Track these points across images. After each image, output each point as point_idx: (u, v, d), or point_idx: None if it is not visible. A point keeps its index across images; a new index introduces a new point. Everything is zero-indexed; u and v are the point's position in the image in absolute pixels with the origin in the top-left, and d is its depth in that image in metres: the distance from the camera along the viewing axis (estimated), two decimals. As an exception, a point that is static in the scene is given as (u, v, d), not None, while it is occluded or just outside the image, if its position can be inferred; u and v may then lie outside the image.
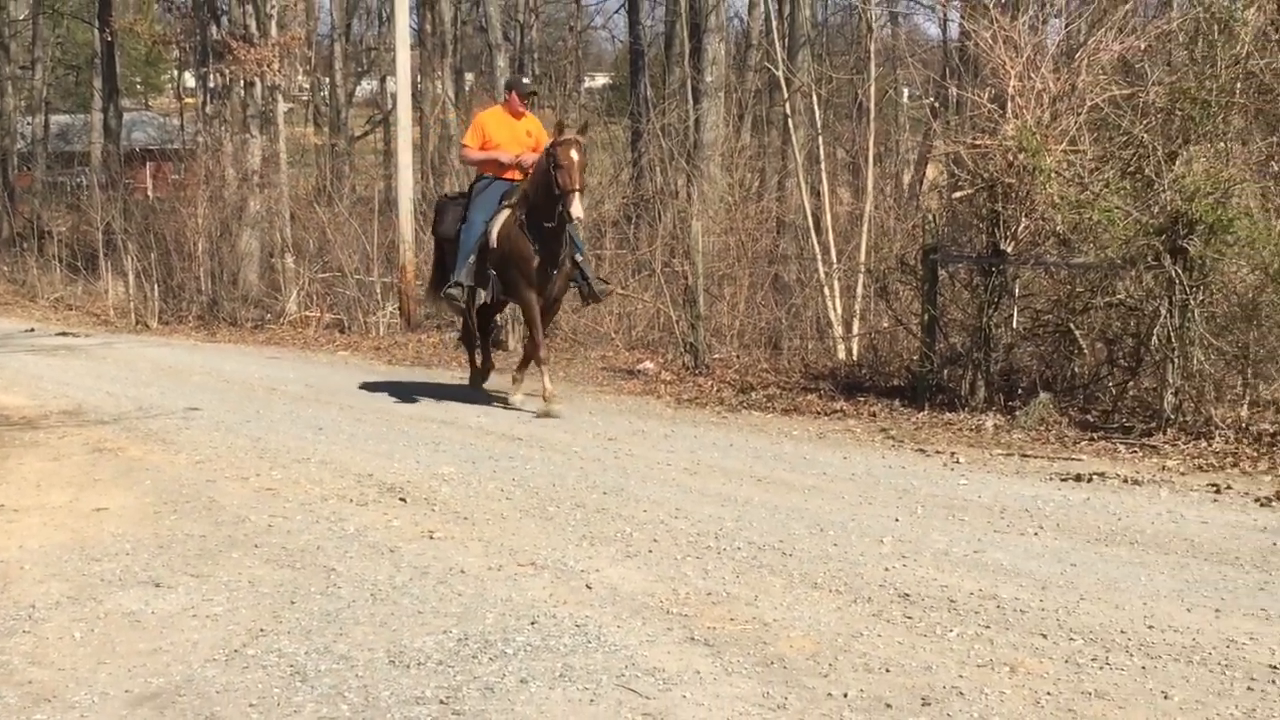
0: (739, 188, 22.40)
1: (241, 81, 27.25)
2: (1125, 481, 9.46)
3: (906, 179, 26.79)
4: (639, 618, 6.22)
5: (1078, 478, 9.60)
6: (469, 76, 40.15)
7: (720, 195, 21.81)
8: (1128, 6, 15.13)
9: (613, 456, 10.63)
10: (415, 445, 11.15)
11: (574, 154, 12.12)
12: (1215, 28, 12.71)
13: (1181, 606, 6.31)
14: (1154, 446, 10.69)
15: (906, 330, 14.67)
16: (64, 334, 24.40)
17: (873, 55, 21.39)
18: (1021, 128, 12.67)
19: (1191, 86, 12.30)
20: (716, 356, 16.56)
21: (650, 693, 5.25)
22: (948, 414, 12.44)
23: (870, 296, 17.98)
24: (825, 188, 20.35)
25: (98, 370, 17.54)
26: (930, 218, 14.28)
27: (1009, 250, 12.77)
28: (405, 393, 14.79)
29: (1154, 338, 11.56)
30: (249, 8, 27.07)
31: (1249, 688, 5.22)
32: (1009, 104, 13.23)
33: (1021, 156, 12.49)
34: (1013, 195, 12.71)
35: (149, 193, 35.87)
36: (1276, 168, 12.91)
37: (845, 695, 5.19)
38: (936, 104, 23.25)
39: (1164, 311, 11.32)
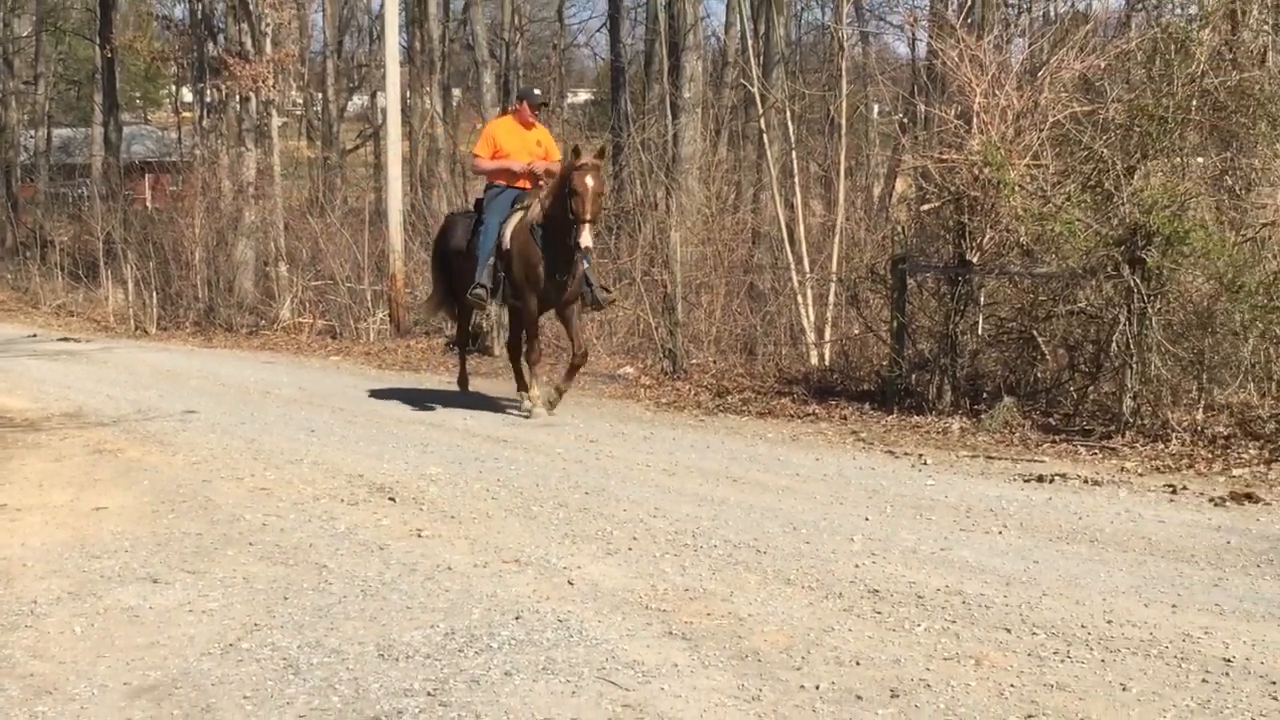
0: (716, 200, 22.44)
1: (237, 96, 27.23)
2: (1085, 482, 9.48)
3: (876, 192, 26.84)
4: (619, 613, 6.21)
5: (1040, 478, 9.62)
6: (456, 92, 40.16)
7: (698, 207, 21.84)
8: (1088, 27, 15.22)
9: (594, 458, 10.63)
10: (404, 447, 11.13)
11: (589, 181, 11.89)
12: (1172, 47, 12.75)
13: (1139, 602, 6.33)
14: (1113, 449, 10.71)
15: (876, 337, 14.70)
16: (65, 339, 24.33)
17: (844, 73, 21.44)
18: (986, 143, 12.71)
19: (1149, 104, 12.34)
20: (694, 362, 16.56)
21: (630, 685, 5.25)
22: (916, 417, 12.46)
23: (841, 304, 18.01)
24: (798, 200, 20.42)
25: (98, 374, 17.48)
26: (899, 229, 14.31)
27: (974, 260, 12.80)
28: (395, 396, 14.77)
29: (1113, 344, 11.59)
30: (245, 26, 27.04)
31: (1204, 680, 5.23)
32: (974, 120, 13.26)
33: (986, 171, 12.52)
34: (978, 208, 12.75)
35: (148, 203, 35.84)
36: (1230, 182, 12.96)
37: (817, 687, 5.19)
38: (905, 120, 23.28)
39: (1123, 319, 11.35)
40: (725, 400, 14.09)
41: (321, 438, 11.65)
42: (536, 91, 14.05)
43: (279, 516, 8.40)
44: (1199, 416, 11.15)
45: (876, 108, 31.40)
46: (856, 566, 7.04)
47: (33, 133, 47.27)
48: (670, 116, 26.03)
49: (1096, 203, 12.11)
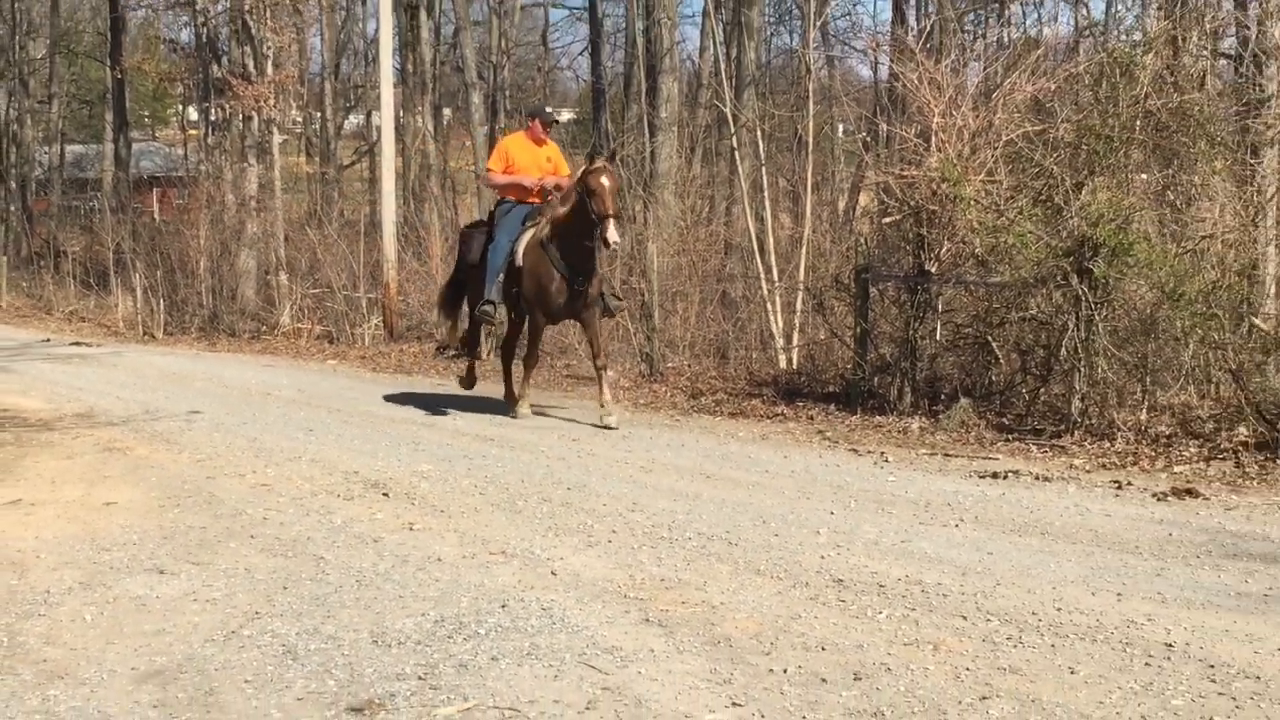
0: (690, 213, 22.43)
1: (240, 115, 27.20)
2: (1037, 478, 9.50)
3: (841, 206, 26.91)
4: (599, 601, 6.21)
5: (994, 475, 9.63)
6: (447, 112, 40.13)
7: (674, 220, 21.85)
8: (1039, 51, 15.26)
9: (576, 455, 10.62)
10: (397, 445, 11.11)
11: (605, 180, 11.68)
12: (1117, 71, 12.79)
13: (1087, 591, 6.34)
14: (1062, 447, 10.74)
15: (841, 342, 14.71)
16: (77, 344, 24.23)
17: (811, 94, 21.47)
18: (944, 160, 12.74)
19: (1096, 124, 12.38)
20: (670, 365, 16.56)
21: (609, 669, 5.25)
22: (878, 417, 12.47)
23: (808, 311, 18.02)
24: (768, 213, 20.42)
25: (108, 377, 17.42)
26: (862, 241, 14.34)
27: (933, 270, 12.83)
28: (388, 398, 14.75)
29: (1063, 349, 11.62)
30: (247, 49, 27.00)
31: (1147, 664, 5.25)
32: (933, 139, 13.30)
33: (944, 186, 12.55)
34: (936, 221, 12.78)
35: (155, 216, 35.71)
36: (1172, 197, 13.01)
37: (785, 671, 5.20)
38: (868, 138, 23.38)
39: (1071, 325, 11.37)
40: (699, 401, 14.10)
41: (319, 437, 11.62)
42: (548, 109, 13.82)
43: (279, 511, 8.39)
44: (1142, 417, 11.18)
45: (841, 127, 31.46)
46: (822, 558, 7.04)
47: (47, 149, 47.16)
48: (648, 135, 26.02)
49: (1047, 216, 12.14)
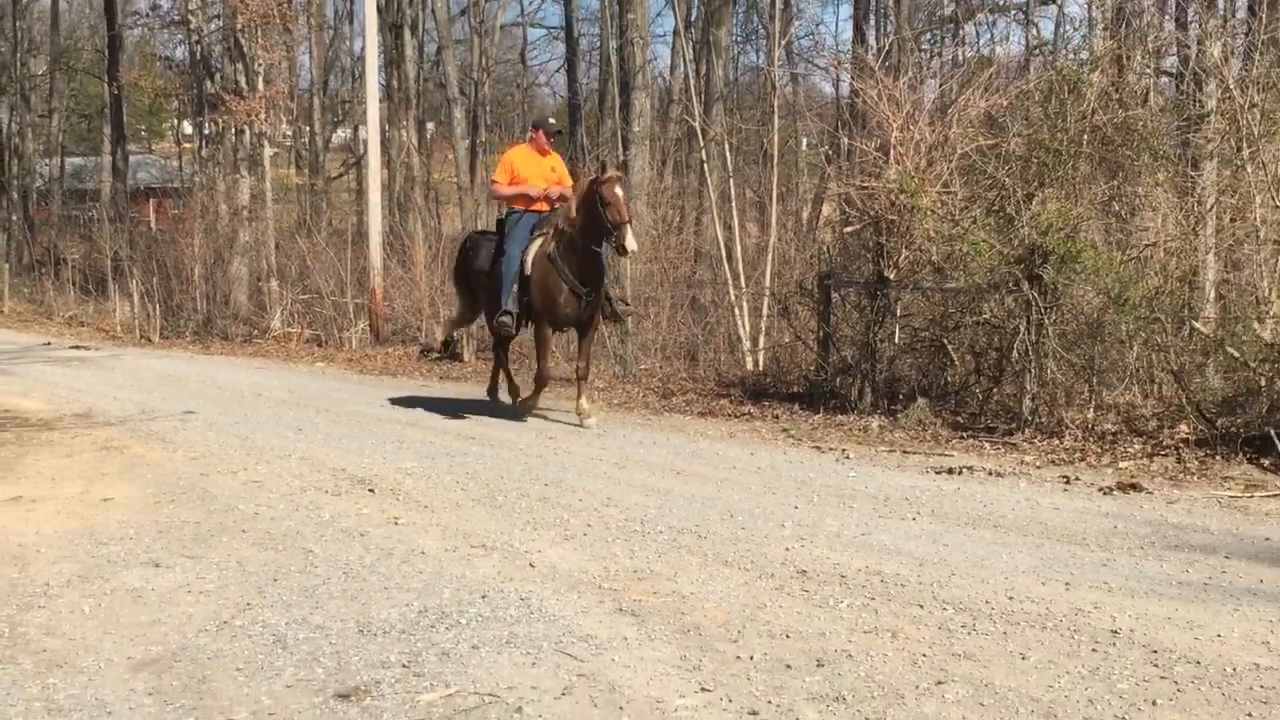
0: (662, 223, 22.44)
1: (233, 129, 27.10)
2: (990, 474, 9.53)
3: (805, 215, 26.95)
4: (575, 592, 6.20)
5: (950, 470, 9.66)
6: (430, 126, 40.04)
7: (646, 229, 21.81)
8: (992, 69, 15.31)
9: (553, 453, 10.61)
10: (382, 443, 11.08)
11: (618, 190, 11.50)
12: (1065, 88, 12.84)
13: (1037, 580, 6.36)
14: (1014, 444, 10.77)
15: (805, 345, 14.74)
16: (77, 347, 24.10)
17: (776, 110, 21.50)
18: (902, 173, 12.78)
19: (1046, 138, 12.42)
20: (642, 367, 16.58)
21: (584, 656, 5.24)
22: (840, 416, 12.49)
23: (774, 316, 18.04)
24: (735, 223, 20.46)
25: (106, 379, 17.33)
26: (825, 249, 14.40)
27: (891, 276, 12.86)
28: (374, 399, 14.70)
29: (1014, 351, 11.66)
30: (239, 66, 26.89)
31: (1093, 649, 5.27)
32: (891, 152, 13.33)
33: (902, 197, 12.59)
34: (895, 230, 12.82)
35: (152, 225, 35.60)
36: (1117, 207, 13.07)
37: (751, 658, 5.20)
38: (830, 151, 23.41)
39: (1022, 329, 11.42)
40: (670, 401, 14.10)
41: (308, 435, 11.58)
42: (551, 120, 13.52)
43: (269, 506, 8.35)
44: (1090, 415, 11.22)
45: (805, 140, 31.47)
46: (787, 550, 7.05)
47: (47, 161, 47.00)
48: (621, 148, 25.99)
49: (999, 226, 12.18)
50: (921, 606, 5.92)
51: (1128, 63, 14.14)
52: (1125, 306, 11.04)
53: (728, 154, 21.82)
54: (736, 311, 18.71)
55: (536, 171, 12.58)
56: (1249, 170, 12.26)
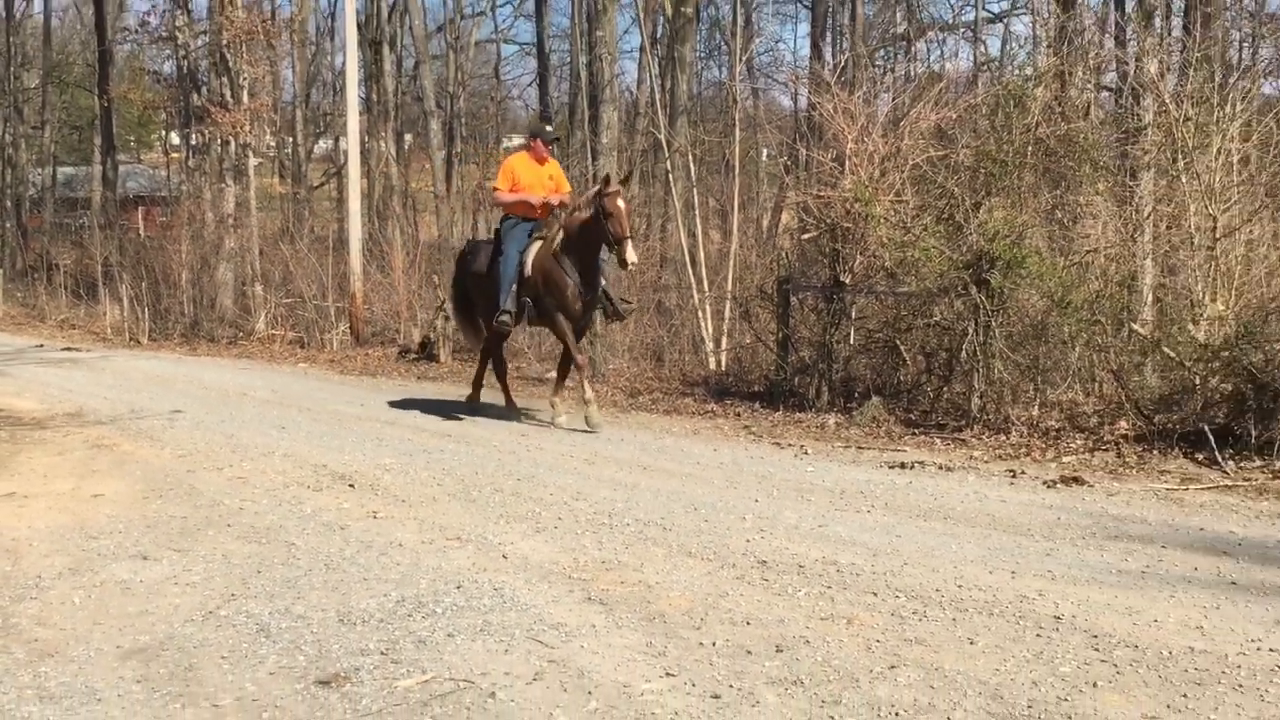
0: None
1: (218, 140, 26.93)
2: (940, 468, 9.56)
3: (765, 223, 27.02)
4: (546, 582, 6.19)
5: (902, 465, 9.69)
6: (408, 137, 40.01)
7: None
8: (942, 84, 15.37)
9: (525, 449, 10.59)
10: (362, 441, 11.03)
11: (621, 203, 11.30)
12: (1011, 102, 12.91)
13: (985, 569, 6.38)
14: (963, 440, 10.81)
15: (765, 346, 14.75)
16: (68, 349, 23.91)
17: (737, 122, 21.59)
18: (857, 182, 12.81)
19: (992, 149, 12.49)
20: (611, 367, 16.56)
21: (554, 643, 5.23)
22: (798, 414, 12.51)
23: (735, 318, 18.09)
24: (699, 230, 20.49)
25: (96, 379, 17.21)
26: (784, 255, 14.41)
27: (847, 281, 12.89)
28: (354, 398, 14.65)
29: (963, 351, 11.70)
30: (224, 79, 26.74)
31: (1038, 635, 5.29)
32: (847, 163, 13.37)
33: (857, 206, 12.62)
34: (850, 237, 12.84)
35: (140, 232, 35.28)
36: (1060, 215, 13.14)
37: (714, 644, 5.20)
38: (789, 162, 23.47)
39: (971, 330, 11.46)
40: (637, 400, 14.09)
41: (291, 433, 11.53)
42: (549, 129, 13.16)
43: (253, 501, 8.31)
44: (1034, 412, 11.27)
45: (765, 151, 31.56)
46: (748, 541, 7.05)
47: (40, 171, 46.67)
48: (590, 158, 26.00)
49: (949, 233, 12.23)
50: (875, 594, 5.93)
51: (1070, 78, 14.22)
52: (1067, 309, 11.10)
53: (691, 164, 21.88)
54: (700, 314, 18.74)
55: (536, 179, 12.35)
56: (1183, 180, 12.36)
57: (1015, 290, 11.34)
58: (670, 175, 22.70)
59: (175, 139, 41.54)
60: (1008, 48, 30.66)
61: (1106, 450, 10.02)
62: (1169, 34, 16.05)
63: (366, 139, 31.27)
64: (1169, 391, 10.68)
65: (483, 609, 5.73)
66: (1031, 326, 11.64)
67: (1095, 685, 4.71)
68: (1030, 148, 12.73)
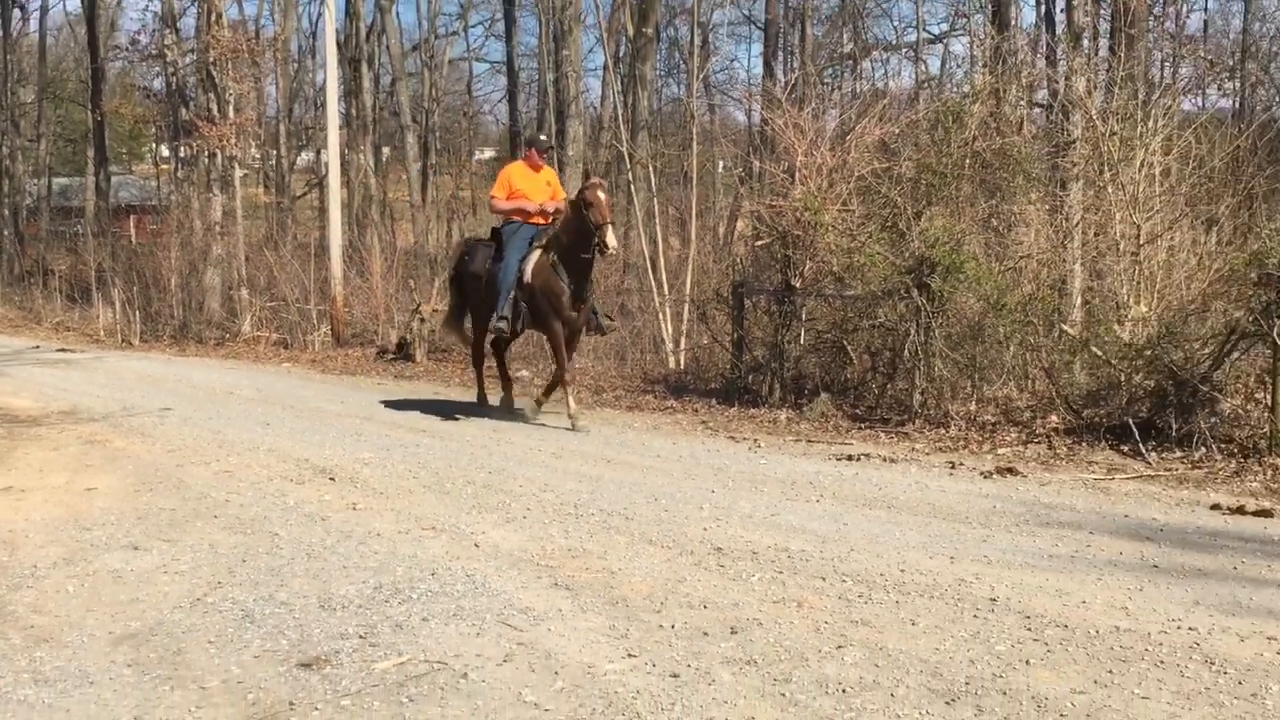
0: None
1: (206, 152, 26.76)
2: (884, 460, 9.59)
3: (721, 231, 27.05)
4: (515, 569, 6.18)
5: (849, 457, 9.72)
6: (385, 150, 39.90)
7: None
8: (885, 101, 15.42)
9: (496, 444, 10.56)
10: (342, 436, 10.98)
11: (600, 194, 11.11)
12: (950, 118, 12.98)
13: (925, 555, 6.41)
14: (906, 433, 10.85)
15: (721, 346, 14.77)
16: (63, 350, 23.70)
17: (695, 136, 21.59)
18: (806, 193, 12.85)
19: (933, 162, 12.56)
20: (576, 366, 16.52)
21: (523, 627, 5.22)
22: (752, 410, 12.53)
23: (693, 320, 18.08)
24: (659, 237, 20.45)
25: (90, 379, 17.06)
26: (738, 260, 14.43)
27: (797, 285, 12.92)
28: (335, 396, 14.58)
29: (905, 351, 11.74)
30: (211, 95, 26.57)
31: (975, 615, 5.31)
32: (797, 174, 13.40)
33: (806, 214, 12.65)
34: (800, 244, 12.86)
35: (132, 239, 35.08)
36: (995, 224, 13.21)
37: (673, 626, 5.20)
38: (743, 174, 23.50)
39: (913, 331, 11.50)
40: (601, 397, 14.08)
41: (275, 430, 11.46)
42: (543, 138, 13.06)
43: (239, 494, 8.25)
44: (972, 408, 11.33)
45: (721, 164, 31.63)
46: (704, 529, 7.05)
47: (36, 181, 46.31)
48: (557, 170, 25.98)
49: (892, 240, 12.27)
50: (824, 579, 5.94)
51: (1004, 96, 14.29)
52: (1003, 311, 11.17)
53: (652, 175, 21.88)
54: (660, 316, 18.74)
55: (532, 186, 12.10)
56: (1110, 190, 12.45)
57: (954, 293, 11.39)
58: (632, 186, 22.67)
59: (165, 151, 41.31)
60: (947, 67, 30.85)
61: (1039, 443, 10.08)
62: (1096, 54, 16.16)
63: (346, 152, 31.13)
64: (1096, 388, 10.75)
65: (456, 595, 5.71)
66: (969, 327, 11.69)
67: (1028, 663, 4.74)
68: (968, 160, 12.81)
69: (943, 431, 10.78)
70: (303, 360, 20.62)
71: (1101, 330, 11.03)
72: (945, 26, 35.81)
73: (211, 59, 26.28)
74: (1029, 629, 5.13)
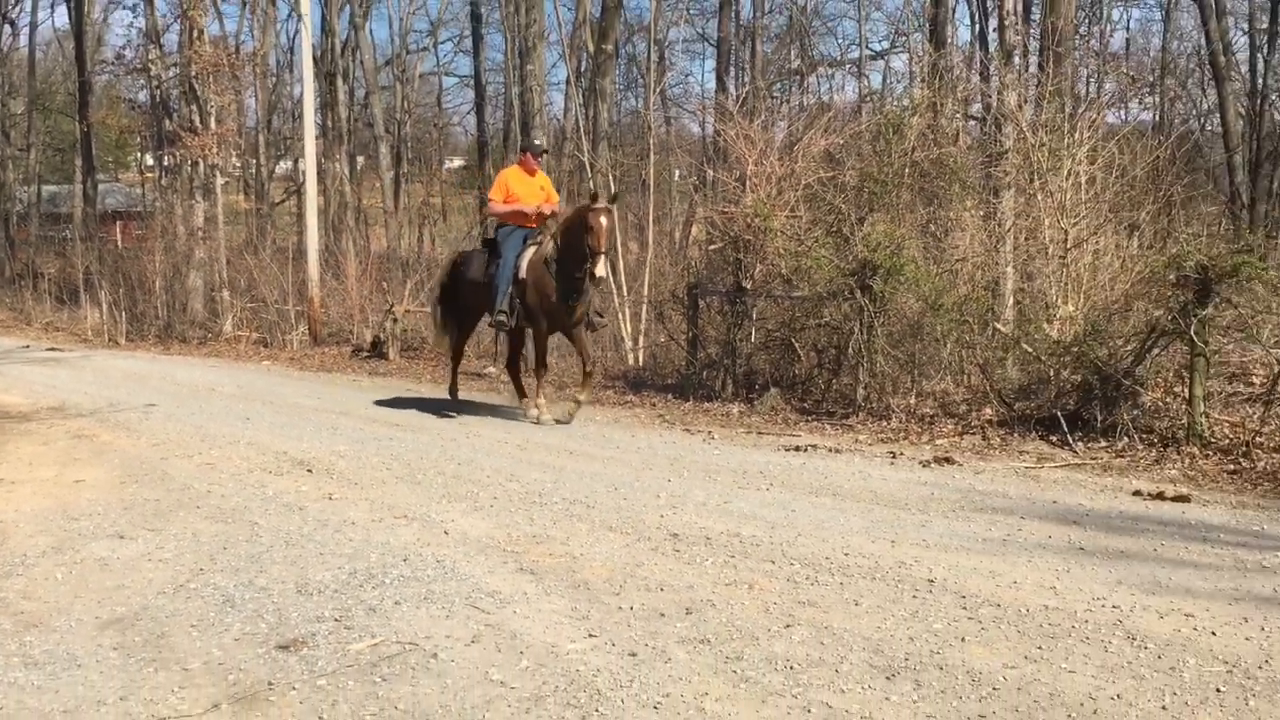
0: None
1: (188, 161, 26.51)
2: (830, 451, 9.62)
3: (677, 235, 27.01)
4: (483, 555, 6.16)
5: (797, 448, 9.74)
6: (360, 159, 39.69)
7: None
8: (830, 113, 15.48)
9: (465, 437, 10.53)
10: (319, 430, 10.91)
11: (603, 221, 10.82)
12: (890, 130, 13.05)
13: (868, 540, 6.43)
14: (850, 426, 10.89)
15: (677, 344, 14.78)
16: (52, 349, 23.42)
17: (652, 146, 21.62)
18: (756, 200, 12.89)
19: (874, 171, 12.63)
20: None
21: (490, 609, 5.21)
22: (706, 404, 12.54)
23: (651, 320, 18.10)
24: (619, 242, 20.42)
25: (78, 376, 16.88)
26: (693, 264, 14.47)
27: (748, 286, 12.94)
28: (312, 392, 14.49)
29: (850, 348, 11.79)
30: (194, 107, 26.32)
31: (914, 596, 5.34)
32: (748, 183, 13.44)
33: (757, 220, 12.69)
34: (751, 248, 12.89)
35: (118, 244, 34.67)
36: (933, 229, 13.29)
37: (631, 608, 5.20)
38: (697, 182, 23.50)
39: (856, 329, 11.55)
40: (565, 392, 14.01)
41: (255, 424, 11.38)
42: (538, 143, 12.81)
43: (220, 485, 8.19)
44: (912, 401, 11.37)
45: (676, 172, 31.62)
46: (661, 516, 7.06)
47: (26, 189, 45.68)
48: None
49: (837, 244, 12.32)
50: (773, 562, 5.96)
51: (941, 109, 14.36)
52: (940, 311, 11.23)
53: (612, 184, 21.81)
54: (620, 316, 18.72)
55: (528, 190, 11.88)
56: (1039, 198, 12.56)
57: (894, 294, 11.44)
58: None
59: (149, 160, 40.94)
60: (888, 82, 30.93)
61: (974, 434, 10.13)
62: (1026, 70, 16.26)
63: (322, 161, 30.93)
64: (1027, 382, 10.82)
65: (426, 579, 5.69)
66: (909, 326, 11.75)
67: (963, 640, 4.77)
68: (907, 170, 12.88)
69: (884, 424, 10.82)
70: (282, 358, 20.48)
71: (1032, 329, 11.10)
72: (886, 44, 35.94)
73: (194, 73, 26.05)
74: (964, 608, 5.17)
